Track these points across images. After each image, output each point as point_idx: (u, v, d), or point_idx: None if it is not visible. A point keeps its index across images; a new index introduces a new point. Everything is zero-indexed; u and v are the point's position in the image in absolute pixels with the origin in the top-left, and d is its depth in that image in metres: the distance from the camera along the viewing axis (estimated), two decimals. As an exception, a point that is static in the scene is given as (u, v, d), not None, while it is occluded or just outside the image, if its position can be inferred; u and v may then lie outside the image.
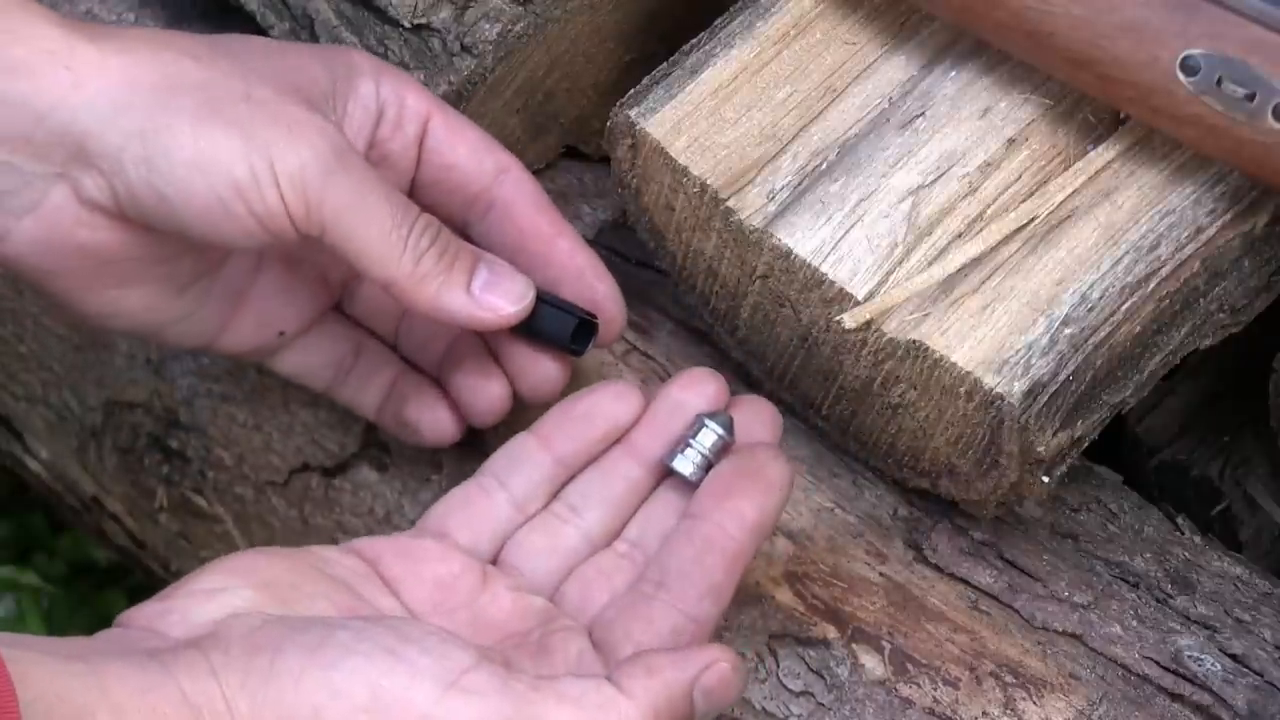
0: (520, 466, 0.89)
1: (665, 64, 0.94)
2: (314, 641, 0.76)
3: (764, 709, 0.91)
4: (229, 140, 0.84)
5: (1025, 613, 0.92)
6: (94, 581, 1.44)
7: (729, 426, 0.87)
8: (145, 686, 0.73)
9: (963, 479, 0.91)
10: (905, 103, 0.92)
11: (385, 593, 0.84)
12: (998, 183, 0.90)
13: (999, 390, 0.85)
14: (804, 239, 0.89)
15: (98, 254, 0.88)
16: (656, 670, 0.79)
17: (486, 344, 0.94)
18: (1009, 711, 0.90)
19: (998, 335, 0.86)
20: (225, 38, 0.90)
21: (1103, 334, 0.87)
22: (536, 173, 0.96)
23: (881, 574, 0.94)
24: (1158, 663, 0.91)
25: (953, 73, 0.92)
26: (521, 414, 0.95)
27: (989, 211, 0.89)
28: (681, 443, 0.88)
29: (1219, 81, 0.84)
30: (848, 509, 0.96)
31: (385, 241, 0.86)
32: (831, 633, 0.92)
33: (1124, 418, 1.06)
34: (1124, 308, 0.88)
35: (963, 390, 0.86)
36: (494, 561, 0.88)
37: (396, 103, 0.92)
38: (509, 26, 0.99)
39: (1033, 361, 0.86)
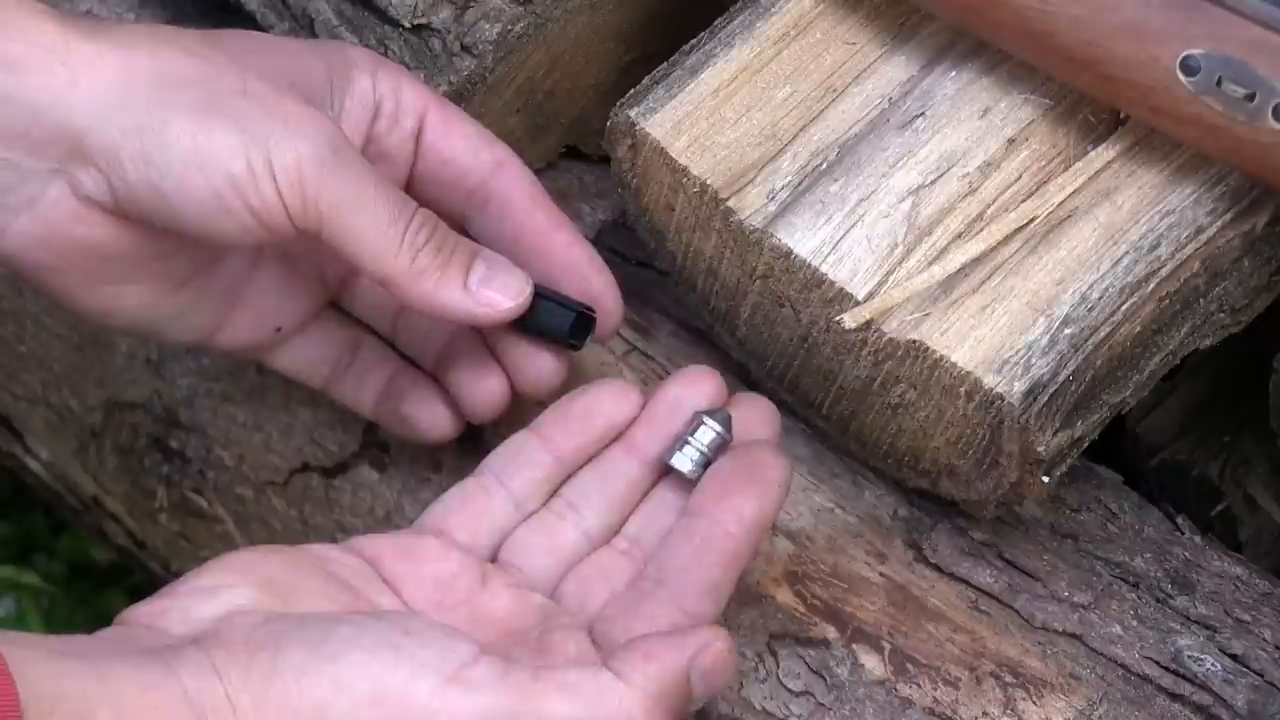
0: (519, 465, 0.89)
1: (665, 64, 0.94)
2: (316, 637, 0.76)
3: (764, 709, 0.91)
4: (226, 135, 0.84)
5: (1025, 613, 0.92)
6: (94, 581, 1.44)
7: (727, 424, 0.88)
8: (146, 684, 0.74)
9: (963, 479, 0.91)
10: (905, 103, 0.92)
11: (385, 591, 0.84)
12: (998, 183, 0.90)
13: (999, 390, 0.85)
14: (804, 239, 0.89)
15: (95, 250, 0.88)
16: (653, 655, 0.79)
17: (484, 340, 0.94)
18: (1009, 711, 0.90)
19: (998, 335, 0.86)
20: (222, 33, 0.90)
21: (1103, 334, 0.87)
22: (537, 173, 0.96)
23: (881, 574, 0.94)
24: (1158, 663, 0.91)
25: (953, 73, 0.92)
26: (520, 410, 0.95)
27: (989, 211, 0.89)
28: (680, 440, 0.88)
29: (1219, 81, 0.84)
30: (848, 509, 0.96)
31: (382, 237, 0.86)
32: (831, 633, 0.92)
33: (1124, 418, 1.06)
34: (1124, 308, 0.88)
35: (963, 390, 0.86)
36: (493, 560, 0.88)
37: (393, 97, 0.92)
38: (509, 26, 0.99)
39: (1033, 361, 0.86)
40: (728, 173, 0.90)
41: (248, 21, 1.04)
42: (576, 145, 1.08)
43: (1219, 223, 0.89)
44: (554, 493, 0.89)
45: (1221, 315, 0.92)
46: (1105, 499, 0.98)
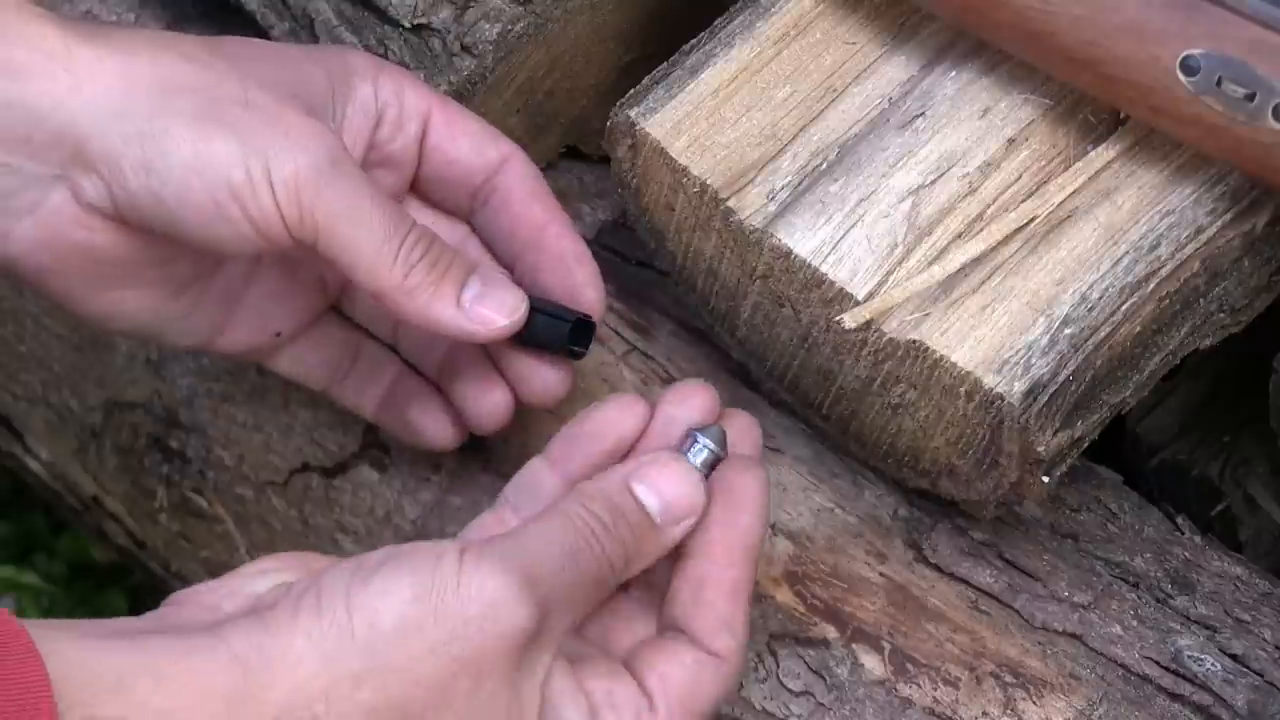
0: (535, 493, 0.88)
1: (665, 64, 0.94)
2: (351, 567, 0.77)
3: (764, 709, 0.91)
4: (226, 144, 0.84)
5: (1025, 613, 0.92)
6: (94, 581, 1.45)
7: (721, 440, 0.87)
8: (190, 649, 0.74)
9: (963, 479, 0.91)
10: (905, 103, 0.92)
11: None
12: (998, 183, 0.90)
13: (999, 390, 0.85)
14: (804, 239, 0.89)
15: (96, 255, 0.88)
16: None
17: (487, 351, 0.94)
18: (1009, 711, 0.90)
19: (998, 335, 0.86)
20: (224, 40, 0.90)
21: (1103, 334, 0.87)
22: (537, 173, 0.96)
23: (881, 574, 0.94)
24: (1158, 663, 0.91)
25: (953, 73, 0.92)
26: (522, 417, 0.95)
27: (989, 211, 0.89)
28: None
29: (1219, 81, 0.84)
30: (848, 509, 0.96)
31: (375, 252, 0.86)
32: (831, 633, 0.92)
33: (1124, 418, 1.06)
34: (1124, 308, 0.88)
35: (963, 390, 0.86)
36: None
37: (396, 103, 0.92)
38: (509, 26, 0.99)
39: (1033, 361, 0.86)
40: (728, 173, 0.90)
41: (247, 21, 1.04)
42: (576, 145, 1.08)
43: (1219, 223, 0.89)
44: None
45: (1221, 315, 0.92)
46: (1105, 499, 0.98)
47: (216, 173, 0.84)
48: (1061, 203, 0.89)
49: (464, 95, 0.99)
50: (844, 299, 0.88)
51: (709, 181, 0.90)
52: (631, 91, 0.93)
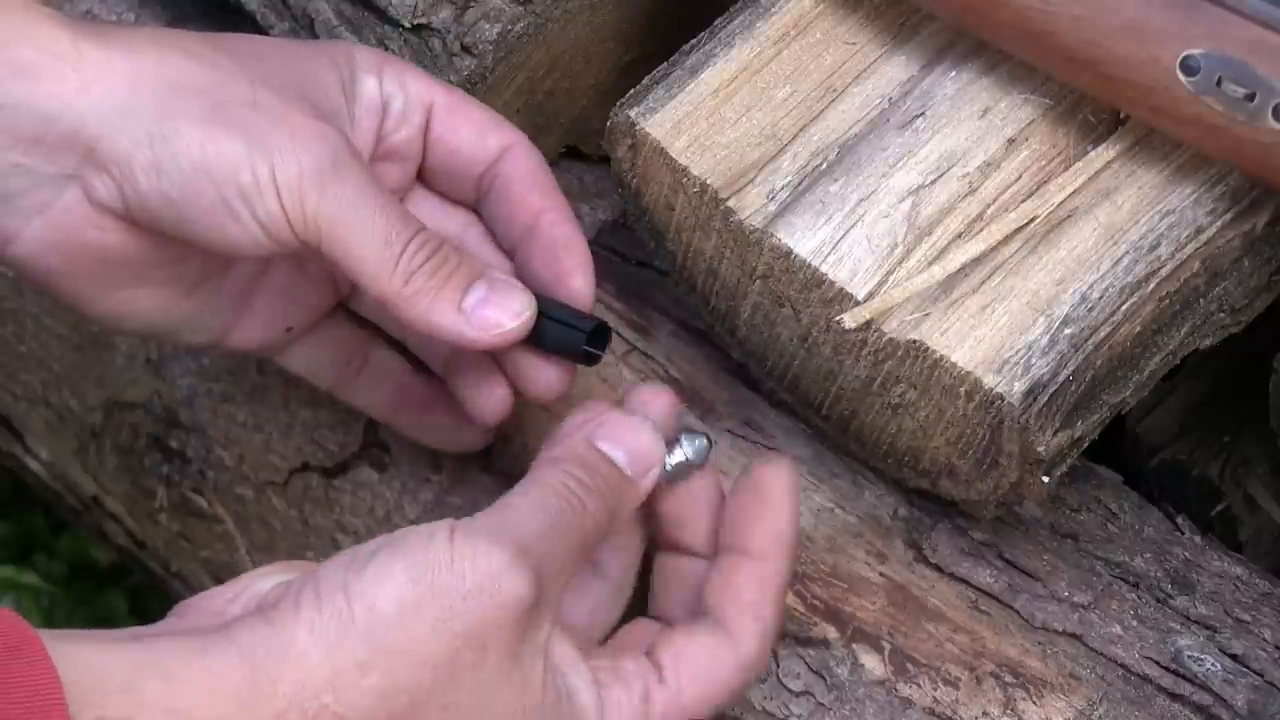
0: None
1: (665, 64, 0.94)
2: (345, 559, 0.78)
3: (764, 709, 0.91)
4: (234, 144, 0.84)
5: (1025, 613, 0.92)
6: (94, 581, 1.45)
7: (700, 452, 0.87)
8: (198, 649, 0.74)
9: (963, 479, 0.91)
10: (905, 103, 0.92)
11: None
12: (998, 183, 0.90)
13: (999, 390, 0.85)
14: (804, 239, 0.89)
15: (107, 255, 0.88)
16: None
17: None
18: (1009, 711, 0.90)
19: (998, 335, 0.86)
20: (230, 37, 0.90)
21: (1103, 334, 0.87)
22: (538, 171, 0.96)
23: (881, 574, 0.94)
24: (1158, 663, 0.91)
25: (953, 73, 0.92)
26: (524, 418, 0.95)
27: (989, 211, 0.89)
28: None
29: (1219, 81, 0.84)
30: (848, 509, 0.96)
31: (377, 255, 0.86)
32: (831, 633, 0.92)
33: (1124, 418, 1.06)
34: (1124, 308, 0.88)
35: (963, 390, 0.86)
36: None
37: (401, 94, 0.92)
38: (509, 26, 0.99)
39: (1033, 361, 0.86)
40: (728, 173, 0.90)
41: (248, 21, 1.04)
42: (576, 145, 1.08)
43: (1219, 223, 0.89)
44: None
45: (1221, 315, 0.92)
46: (1105, 499, 0.98)
47: (225, 174, 0.84)
48: (1061, 203, 0.89)
49: (464, 95, 0.99)
50: (844, 299, 0.88)
51: (709, 181, 0.90)
52: (631, 91, 0.93)
